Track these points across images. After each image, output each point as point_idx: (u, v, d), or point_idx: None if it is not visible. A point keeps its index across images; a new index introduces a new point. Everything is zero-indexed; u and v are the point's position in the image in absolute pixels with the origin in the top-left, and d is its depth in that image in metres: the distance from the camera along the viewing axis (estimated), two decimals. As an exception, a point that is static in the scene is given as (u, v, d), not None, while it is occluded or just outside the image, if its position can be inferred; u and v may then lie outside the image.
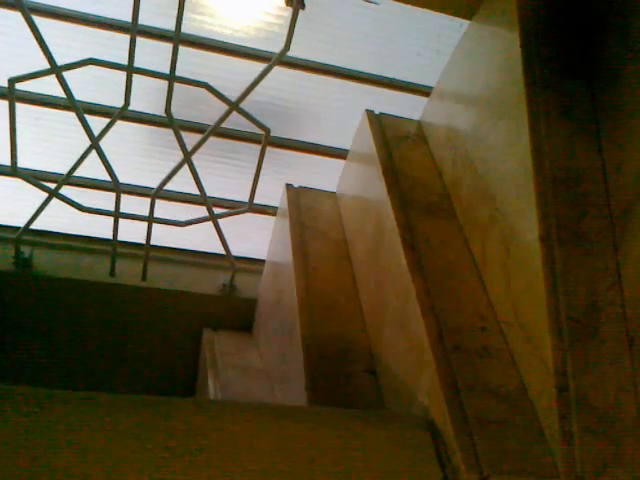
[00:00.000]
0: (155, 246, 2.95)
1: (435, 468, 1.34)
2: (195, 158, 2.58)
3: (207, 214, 2.76)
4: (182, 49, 2.35)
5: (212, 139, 2.60)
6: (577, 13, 1.82)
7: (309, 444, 1.32)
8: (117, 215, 2.69)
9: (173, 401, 1.36)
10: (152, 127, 2.78)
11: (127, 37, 2.27)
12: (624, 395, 1.42)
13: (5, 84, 2.32)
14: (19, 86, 2.36)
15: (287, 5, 2.24)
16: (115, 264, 2.84)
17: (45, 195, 2.61)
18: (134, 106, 2.47)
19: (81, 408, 1.26)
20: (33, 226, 2.71)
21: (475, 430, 1.38)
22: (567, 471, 1.34)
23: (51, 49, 2.25)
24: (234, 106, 2.45)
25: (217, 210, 2.79)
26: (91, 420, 1.23)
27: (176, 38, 2.26)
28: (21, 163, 2.52)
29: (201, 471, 1.20)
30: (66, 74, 2.33)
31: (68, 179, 2.58)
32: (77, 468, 1.15)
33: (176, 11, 2.19)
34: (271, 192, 2.87)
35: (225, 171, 2.99)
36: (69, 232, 3.05)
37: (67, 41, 2.48)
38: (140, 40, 2.32)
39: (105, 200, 2.73)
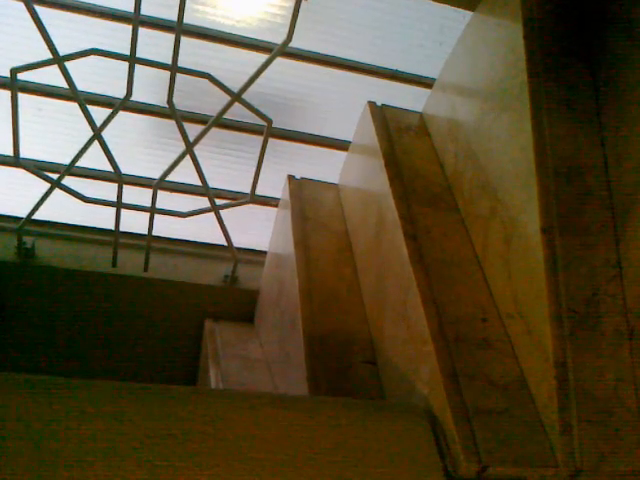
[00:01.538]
0: (157, 237, 2.96)
1: (434, 457, 1.35)
2: (197, 149, 2.58)
3: (209, 205, 2.76)
4: (184, 39, 2.34)
5: (214, 130, 2.60)
6: (580, 4, 1.81)
7: (309, 433, 1.33)
8: (119, 206, 2.69)
9: (175, 389, 1.37)
10: (154, 118, 2.77)
11: (129, 27, 2.27)
12: (623, 386, 1.43)
13: (7, 74, 2.32)
14: (21, 76, 2.36)
15: (290, -4, 2.24)
16: (117, 255, 2.85)
17: (48, 185, 2.62)
18: (136, 97, 2.47)
19: (83, 396, 1.27)
20: (35, 216, 2.71)
21: (475, 420, 1.39)
22: (566, 461, 1.35)
23: (53, 39, 2.25)
24: (236, 97, 2.45)
25: (219, 201, 2.79)
26: (92, 408, 1.24)
27: (178, 28, 2.26)
28: (23, 153, 2.52)
29: (203, 459, 1.21)
30: (68, 64, 2.33)
31: (70, 169, 2.58)
32: (79, 455, 1.16)
33: (178, 1, 2.18)
34: (273, 183, 2.87)
35: (227, 162, 2.99)
36: (71, 222, 3.06)
37: (69, 31, 2.47)
38: (142, 30, 2.31)
39: (107, 191, 2.74)
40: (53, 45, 2.26)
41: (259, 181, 2.70)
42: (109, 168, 2.59)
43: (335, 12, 2.60)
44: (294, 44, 2.32)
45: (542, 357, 1.46)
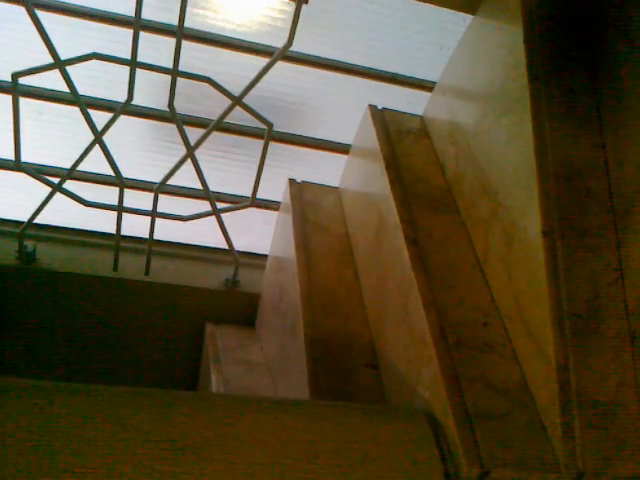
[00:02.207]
0: (158, 241, 2.96)
1: (436, 461, 1.35)
2: (198, 153, 2.59)
3: (210, 209, 2.76)
4: (185, 44, 2.34)
5: (215, 134, 2.60)
6: (580, 8, 1.81)
7: (310, 438, 1.32)
8: (120, 210, 2.70)
9: (176, 394, 1.37)
10: (155, 122, 2.78)
11: (130, 32, 2.27)
12: (625, 390, 1.43)
13: (9, 78, 2.33)
14: (22, 80, 2.36)
15: (290, 0, 2.24)
16: (118, 259, 2.85)
17: (49, 189, 2.62)
18: (137, 101, 2.48)
19: (84, 401, 1.27)
20: (36, 220, 2.72)
21: (476, 424, 1.39)
22: (568, 465, 1.35)
23: (54, 43, 2.26)
24: (237, 101, 2.45)
25: (220, 205, 2.80)
26: (94, 412, 1.24)
27: (179, 32, 2.26)
28: (25, 158, 2.52)
29: (204, 464, 1.21)
30: (69, 68, 2.33)
31: (71, 173, 2.59)
32: (79, 460, 1.15)
33: (179, 5, 2.19)
34: (274, 187, 2.87)
35: (228, 166, 2.99)
36: (72, 226, 3.06)
37: (70, 36, 2.47)
38: (143, 35, 2.32)
39: (108, 194, 2.74)
40: (54, 49, 2.26)
41: (260, 184, 2.71)
42: (110, 172, 2.60)
43: (335, 15, 2.61)
44: (294, 48, 2.33)
45: (543, 360, 1.46)
